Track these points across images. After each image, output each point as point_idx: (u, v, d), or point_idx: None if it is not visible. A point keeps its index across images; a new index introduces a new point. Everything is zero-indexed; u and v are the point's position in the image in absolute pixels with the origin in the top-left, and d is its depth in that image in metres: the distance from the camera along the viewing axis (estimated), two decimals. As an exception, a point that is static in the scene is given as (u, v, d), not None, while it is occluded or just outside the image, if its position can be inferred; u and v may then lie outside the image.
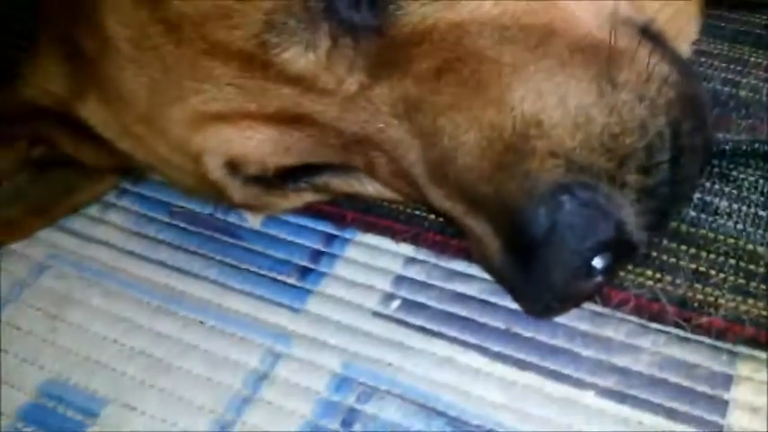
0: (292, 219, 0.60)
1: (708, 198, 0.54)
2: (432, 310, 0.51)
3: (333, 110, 0.48)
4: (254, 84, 0.48)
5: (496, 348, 0.49)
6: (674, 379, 0.45)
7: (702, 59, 0.64)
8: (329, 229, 0.58)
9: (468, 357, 0.48)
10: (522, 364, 0.47)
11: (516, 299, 0.47)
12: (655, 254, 0.51)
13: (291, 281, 0.56)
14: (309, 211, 0.60)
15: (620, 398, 0.45)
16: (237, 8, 0.45)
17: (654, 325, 0.48)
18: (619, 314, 0.49)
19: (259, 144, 0.50)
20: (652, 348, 0.47)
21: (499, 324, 0.50)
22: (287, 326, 0.53)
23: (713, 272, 0.49)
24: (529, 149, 0.42)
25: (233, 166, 0.52)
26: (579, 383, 0.46)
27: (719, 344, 0.46)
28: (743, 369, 0.45)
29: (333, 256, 0.56)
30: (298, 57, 0.45)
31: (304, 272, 0.56)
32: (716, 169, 0.56)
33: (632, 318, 0.48)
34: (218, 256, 0.59)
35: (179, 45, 0.47)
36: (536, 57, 0.43)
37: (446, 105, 0.44)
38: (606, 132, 0.42)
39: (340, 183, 0.56)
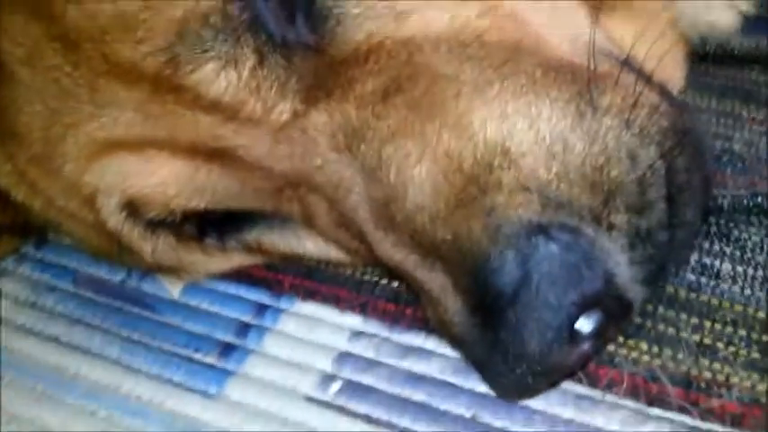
0: (220, 286, 0.51)
1: (707, 260, 0.46)
2: (379, 395, 0.42)
3: (260, 143, 0.41)
4: (163, 110, 0.40)
5: (459, 442, 0.39)
6: (683, 479, 0.36)
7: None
8: (263, 298, 0.50)
9: (422, 453, 0.39)
10: (490, 462, 0.38)
11: (483, 375, 0.38)
12: (650, 323, 0.43)
13: (209, 360, 0.46)
14: (240, 277, 0.51)
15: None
16: (143, 18, 0.38)
17: (654, 410, 0.39)
18: (610, 397, 0.40)
19: (164, 180, 0.42)
20: (653, 440, 0.38)
21: (462, 411, 0.41)
22: (197, 416, 0.43)
23: (720, 345, 0.41)
24: (493, 182, 0.34)
25: (132, 209, 0.43)
26: (564, 486, 0.37)
27: (737, 433, 0.37)
28: (769, 466, 0.36)
29: (262, 330, 0.47)
30: (215, 76, 0.38)
31: (226, 350, 0.47)
32: (714, 228, 0.49)
33: (627, 402, 0.40)
34: (124, 332, 0.49)
35: (77, 66, 0.40)
36: (501, 75, 0.37)
37: (393, 132, 0.37)
38: (588, 163, 0.35)
39: (274, 239, 0.48)
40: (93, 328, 0.50)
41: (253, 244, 0.49)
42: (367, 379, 0.43)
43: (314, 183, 0.41)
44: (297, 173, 0.41)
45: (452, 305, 0.36)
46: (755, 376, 0.39)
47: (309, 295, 0.49)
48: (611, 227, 0.34)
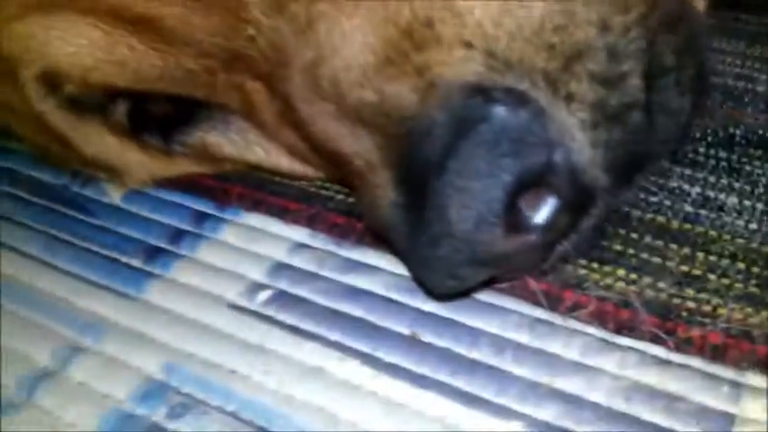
0: (164, 194, 0.47)
1: (711, 193, 0.41)
2: (312, 307, 0.37)
3: (188, 12, 0.36)
4: None
5: (390, 359, 0.34)
6: (646, 416, 0.30)
7: (717, 56, 0.53)
8: (207, 207, 0.45)
9: (348, 368, 0.34)
10: (421, 382, 0.33)
11: (408, 264, 0.33)
12: (632, 251, 0.37)
13: (135, 263, 0.42)
14: (186, 185, 0.47)
15: (561, 437, 0.30)
16: None
17: (621, 340, 0.33)
18: (572, 323, 0.34)
19: (80, 50, 0.38)
20: (616, 371, 0.32)
21: (402, 329, 0.36)
22: (107, 315, 0.39)
23: (712, 276, 0.35)
24: (432, 38, 0.30)
25: (51, 84, 0.39)
26: (502, 412, 0.31)
27: (717, 368, 0.31)
28: (750, 407, 0.30)
29: (198, 238, 0.43)
30: None
31: (154, 254, 0.42)
32: (724, 163, 0.43)
33: (591, 329, 0.34)
34: (52, 231, 0.45)
35: None
36: None
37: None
38: (548, 21, 0.29)
39: (220, 141, 0.44)
40: (19, 225, 0.46)
41: (198, 146, 0.45)
42: (301, 291, 0.39)
43: (249, 61, 0.36)
44: (230, 49, 0.37)
45: (379, 182, 0.31)
46: (749, 309, 0.33)
47: (256, 206, 0.44)
48: (569, 97, 0.29)
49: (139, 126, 0.43)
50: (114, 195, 0.48)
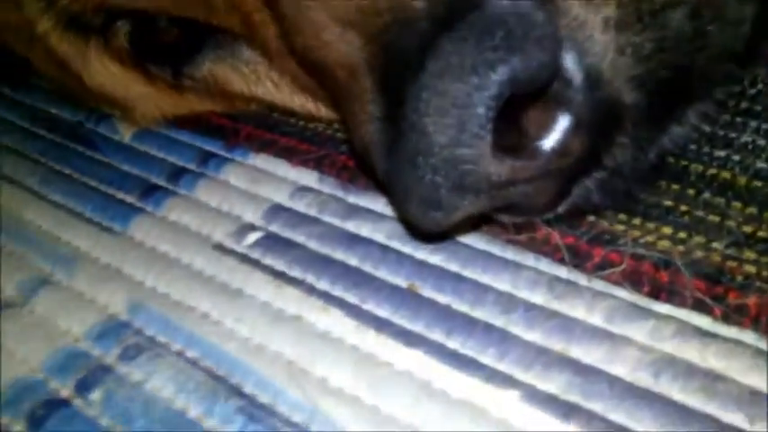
0: (173, 133, 0.44)
1: (791, 148, 0.34)
2: (303, 252, 0.33)
3: None
4: None
5: (380, 312, 0.30)
6: (676, 396, 0.24)
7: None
8: (215, 146, 0.42)
9: (329, 319, 0.30)
10: (410, 339, 0.28)
11: (387, 189, 0.28)
12: (685, 207, 0.31)
13: (130, 200, 0.39)
14: (196, 124, 0.44)
15: (566, 411, 0.24)
16: None
17: (657, 306, 0.27)
18: (598, 284, 0.29)
19: None
20: (646, 342, 0.26)
21: (399, 280, 0.31)
22: (86, 249, 0.36)
23: (783, 240, 0.29)
24: None
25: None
26: (498, 379, 0.26)
27: (775, 343, 0.25)
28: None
29: (198, 176, 0.40)
30: None
31: (151, 191, 0.39)
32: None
33: (620, 292, 0.28)
34: (54, 165, 0.43)
35: None
36: None
37: None
38: None
39: (229, 74, 0.41)
40: (27, 160, 0.44)
41: (208, 78, 0.41)
42: (295, 235, 0.34)
43: None
44: None
45: (361, 92, 0.26)
46: (823, 277, 0.27)
47: (265, 147, 0.41)
48: None
49: (144, 53, 0.40)
50: (125, 133, 0.45)
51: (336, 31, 0.27)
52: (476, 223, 0.31)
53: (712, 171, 0.33)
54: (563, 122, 0.24)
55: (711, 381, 0.25)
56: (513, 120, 0.24)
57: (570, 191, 0.27)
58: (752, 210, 0.31)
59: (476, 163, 0.23)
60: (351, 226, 0.34)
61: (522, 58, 0.22)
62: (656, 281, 0.28)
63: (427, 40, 0.23)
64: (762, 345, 0.25)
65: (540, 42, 0.22)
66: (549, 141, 0.24)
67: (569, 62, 0.23)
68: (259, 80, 0.40)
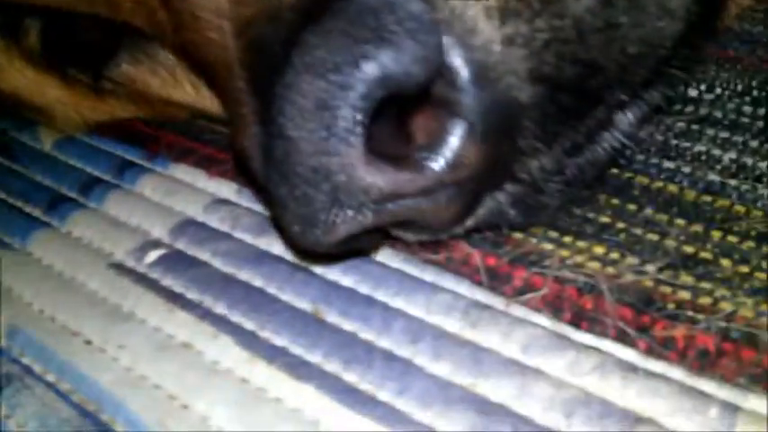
0: (94, 141, 0.41)
1: (747, 160, 0.31)
2: (205, 271, 0.31)
3: None
4: None
5: (276, 340, 0.27)
6: (592, 442, 0.22)
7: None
8: (134, 155, 0.39)
9: (219, 348, 0.27)
10: (303, 372, 0.25)
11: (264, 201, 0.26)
12: (622, 224, 0.28)
13: (36, 213, 0.36)
14: (118, 132, 0.41)
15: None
16: None
17: (578, 335, 0.25)
18: (516, 309, 0.26)
19: None
20: (562, 376, 0.23)
21: (304, 303, 0.28)
22: (-22, 266, 0.33)
23: (726, 262, 0.26)
24: None
25: None
26: (393, 418, 0.23)
27: (704, 382, 0.22)
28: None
29: (110, 188, 0.37)
30: None
31: (57, 203, 0.36)
32: (772, 124, 0.33)
33: (541, 318, 0.25)
34: (-34, 175, 0.40)
35: None
36: None
37: None
38: None
39: (146, 76, 0.38)
40: (-63, 169, 0.42)
41: (126, 81, 0.39)
42: (200, 252, 0.32)
43: None
44: None
45: (236, 92, 0.24)
46: (764, 306, 0.24)
47: (184, 156, 0.38)
48: None
49: (59, 54, 0.38)
50: (46, 141, 0.43)
51: (215, 26, 0.24)
52: (381, 242, 0.28)
53: (658, 184, 0.31)
54: (452, 128, 0.21)
55: (631, 423, 0.22)
56: (398, 126, 0.21)
57: (477, 205, 0.24)
58: (696, 228, 0.28)
59: (347, 173, 0.20)
60: (263, 242, 0.32)
61: (394, 51, 0.19)
62: (578, 307, 0.25)
63: (293, 33, 0.20)
64: (692, 382, 0.22)
65: (414, 34, 0.19)
66: (439, 150, 0.21)
67: (452, 57, 0.20)
68: (177, 82, 0.38)
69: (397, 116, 0.21)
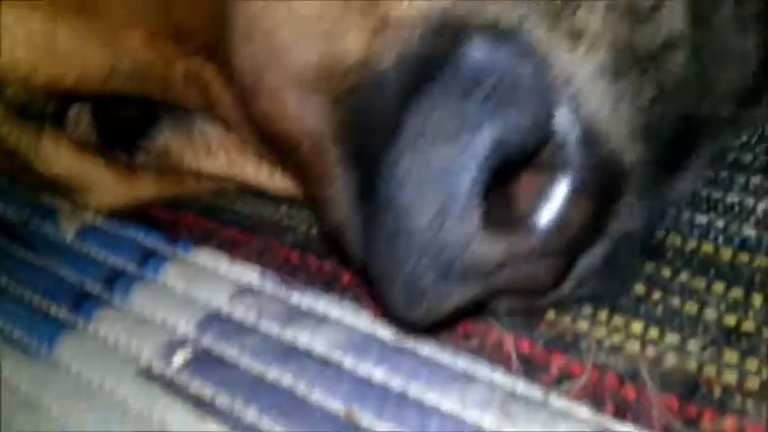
0: (116, 228, 0.42)
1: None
2: (234, 372, 0.30)
3: None
4: None
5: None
6: None
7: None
8: (156, 241, 0.39)
9: (254, 460, 0.26)
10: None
11: (365, 277, 0.26)
12: (657, 296, 0.27)
13: (61, 313, 0.36)
14: (140, 216, 0.41)
15: None
16: None
17: (622, 427, 0.24)
18: (556, 400, 0.25)
19: (16, 41, 0.33)
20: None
21: (336, 404, 0.28)
22: (7, 376, 0.33)
23: (772, 333, 0.25)
24: None
25: None
26: None
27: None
28: None
29: (134, 280, 0.37)
30: None
31: (82, 301, 0.36)
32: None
33: (580, 410, 0.24)
34: (-7, 275, 0.41)
35: None
36: None
37: None
38: None
39: (181, 146, 0.38)
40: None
41: (162, 154, 0.39)
42: (228, 349, 0.31)
43: (193, 34, 0.30)
44: (172, 20, 0.31)
45: (329, 166, 0.23)
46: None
47: (205, 239, 0.38)
48: (577, 33, 0.20)
49: (101, 134, 0.38)
50: (69, 230, 0.43)
51: (297, 97, 0.24)
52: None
53: (692, 244, 0.30)
54: (561, 189, 0.20)
55: None
56: (502, 189, 0.21)
57: (575, 265, 0.23)
58: (736, 294, 0.27)
59: (464, 246, 0.20)
60: (289, 334, 0.31)
61: (508, 119, 0.19)
62: (620, 397, 0.24)
63: (400, 101, 0.20)
64: (747, 478, 0.21)
65: (529, 98, 0.19)
66: (547, 213, 0.21)
67: (562, 118, 0.20)
68: (210, 152, 0.38)
69: (504, 179, 0.21)
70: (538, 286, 0.24)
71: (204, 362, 0.31)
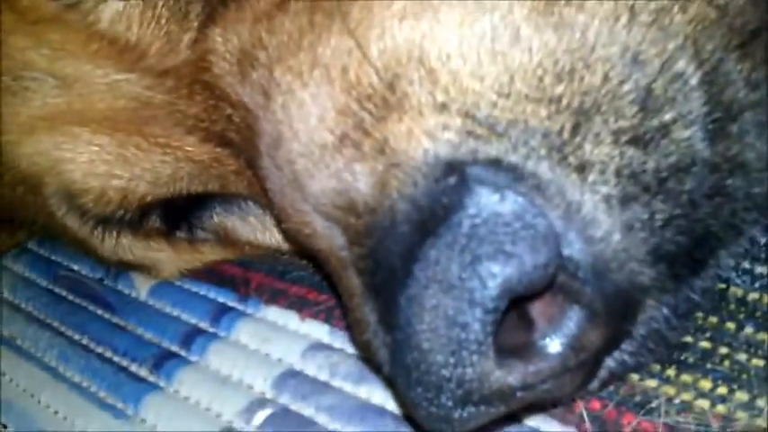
0: (188, 285, 0.43)
1: None
2: (313, 430, 0.31)
3: (168, 99, 0.33)
4: (71, 65, 0.34)
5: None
6: None
7: None
8: (228, 299, 0.41)
9: None
10: None
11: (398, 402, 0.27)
12: (723, 351, 0.28)
13: (142, 372, 0.38)
14: (210, 276, 0.43)
15: None
16: None
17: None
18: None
19: (93, 157, 0.35)
20: None
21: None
22: (98, 438, 0.35)
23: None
24: (394, 103, 0.23)
25: (75, 203, 0.37)
26: None
27: None
28: None
29: (210, 338, 0.39)
30: (117, 13, 0.31)
31: (163, 360, 0.38)
32: None
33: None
34: (74, 334, 0.43)
35: None
36: None
37: (285, 47, 0.27)
38: (549, 64, 0.22)
39: (237, 225, 0.40)
40: (46, 328, 0.44)
41: (219, 230, 0.41)
42: (305, 408, 0.33)
43: (233, 143, 0.32)
44: (215, 130, 0.33)
45: (354, 290, 0.25)
46: None
47: (275, 297, 0.40)
48: (583, 166, 0.21)
49: (169, 224, 0.40)
50: (142, 289, 0.45)
51: (322, 224, 0.26)
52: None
53: (754, 296, 0.30)
54: (574, 317, 0.21)
55: None
56: (518, 314, 0.22)
57: (598, 370, 0.24)
58: (789, 350, 0.27)
59: (481, 378, 0.21)
60: (362, 392, 0.32)
61: (517, 264, 0.20)
62: (685, 456, 0.25)
63: (411, 245, 0.21)
64: None
65: (534, 242, 0.20)
66: (562, 338, 0.22)
67: (572, 251, 0.21)
68: (266, 229, 0.40)
69: (517, 303, 0.22)
70: (560, 396, 0.25)
71: (282, 420, 0.32)
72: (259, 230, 0.40)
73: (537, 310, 0.22)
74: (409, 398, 0.23)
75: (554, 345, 0.22)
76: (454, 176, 0.21)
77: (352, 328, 0.28)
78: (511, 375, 0.22)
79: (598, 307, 0.22)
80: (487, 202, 0.21)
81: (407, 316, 0.21)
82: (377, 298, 0.24)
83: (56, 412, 0.38)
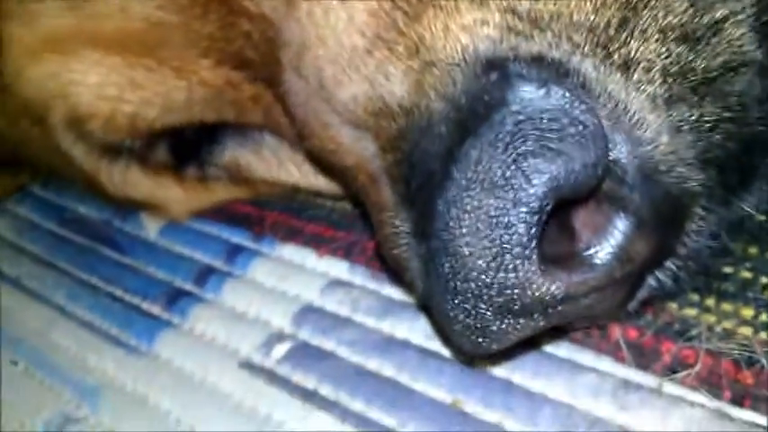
0: (200, 225, 0.42)
1: None
2: (335, 363, 0.31)
3: (181, 19, 0.31)
4: None
5: (423, 437, 0.27)
6: None
7: None
8: (242, 238, 0.40)
9: (366, 451, 0.27)
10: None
11: (429, 317, 0.26)
12: (766, 279, 0.27)
13: (155, 310, 0.37)
14: (223, 214, 0.42)
15: None
16: None
17: (742, 413, 0.23)
18: (670, 387, 0.25)
19: (102, 80, 0.34)
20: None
21: (441, 393, 0.28)
22: (111, 376, 0.34)
23: None
24: (428, 1, 0.22)
25: (81, 130, 0.36)
26: None
27: None
28: None
29: (225, 276, 0.38)
30: None
31: (176, 298, 0.37)
32: None
33: (697, 396, 0.24)
34: (82, 275, 0.42)
35: None
36: None
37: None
38: None
39: (252, 160, 0.39)
40: (53, 270, 0.43)
41: (232, 166, 0.40)
42: (326, 342, 0.32)
43: (251, 62, 0.31)
44: (232, 50, 0.31)
45: (385, 201, 0.24)
46: None
47: (291, 236, 0.38)
48: (629, 64, 0.20)
49: (179, 158, 0.39)
50: (151, 229, 0.44)
51: (351, 135, 0.25)
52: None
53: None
54: (621, 226, 0.20)
55: None
56: (562, 223, 0.21)
57: (639, 288, 0.23)
58: None
59: (523, 286, 0.20)
60: (386, 326, 0.32)
61: (562, 161, 0.19)
62: (738, 384, 0.24)
63: (450, 146, 0.20)
64: None
65: (582, 140, 0.19)
66: (608, 248, 0.21)
67: (619, 155, 0.20)
68: (281, 164, 0.39)
69: (561, 211, 0.21)
70: (601, 314, 0.24)
71: (303, 354, 0.32)
72: (274, 166, 0.39)
73: (581, 219, 0.21)
74: (444, 310, 0.22)
75: (600, 255, 0.21)
76: (495, 73, 0.20)
77: (382, 246, 0.26)
78: (554, 285, 0.20)
79: (645, 215, 0.21)
80: (532, 97, 0.20)
81: (446, 221, 0.20)
82: (411, 207, 0.23)
83: (67, 348, 0.37)
